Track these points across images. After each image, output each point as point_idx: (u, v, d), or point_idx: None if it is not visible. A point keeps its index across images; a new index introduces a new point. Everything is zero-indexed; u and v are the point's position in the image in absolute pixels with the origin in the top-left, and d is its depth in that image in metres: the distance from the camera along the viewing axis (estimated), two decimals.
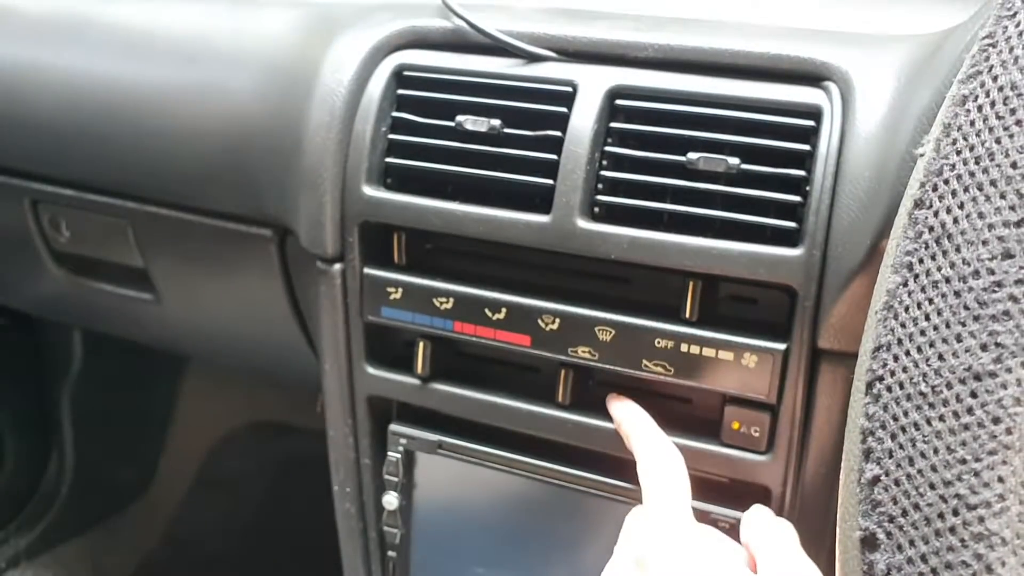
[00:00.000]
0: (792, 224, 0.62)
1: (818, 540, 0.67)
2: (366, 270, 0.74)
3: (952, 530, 0.28)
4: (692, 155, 0.64)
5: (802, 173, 0.62)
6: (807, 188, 0.62)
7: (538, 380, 0.73)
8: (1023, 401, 0.27)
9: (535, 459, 0.73)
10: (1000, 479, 0.27)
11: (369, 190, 0.72)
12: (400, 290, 0.73)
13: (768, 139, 0.63)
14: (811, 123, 0.62)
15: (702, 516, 0.68)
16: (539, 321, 0.69)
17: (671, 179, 0.64)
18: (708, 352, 0.65)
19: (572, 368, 0.70)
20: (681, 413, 0.70)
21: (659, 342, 0.66)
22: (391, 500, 0.78)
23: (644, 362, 0.67)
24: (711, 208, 0.64)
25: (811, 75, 0.64)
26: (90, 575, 1.53)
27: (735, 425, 0.67)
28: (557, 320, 0.69)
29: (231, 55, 0.83)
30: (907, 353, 0.29)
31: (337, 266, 0.74)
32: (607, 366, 0.68)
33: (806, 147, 0.62)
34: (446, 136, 0.70)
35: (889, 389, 0.30)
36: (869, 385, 0.31)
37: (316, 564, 1.47)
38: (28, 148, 0.94)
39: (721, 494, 0.69)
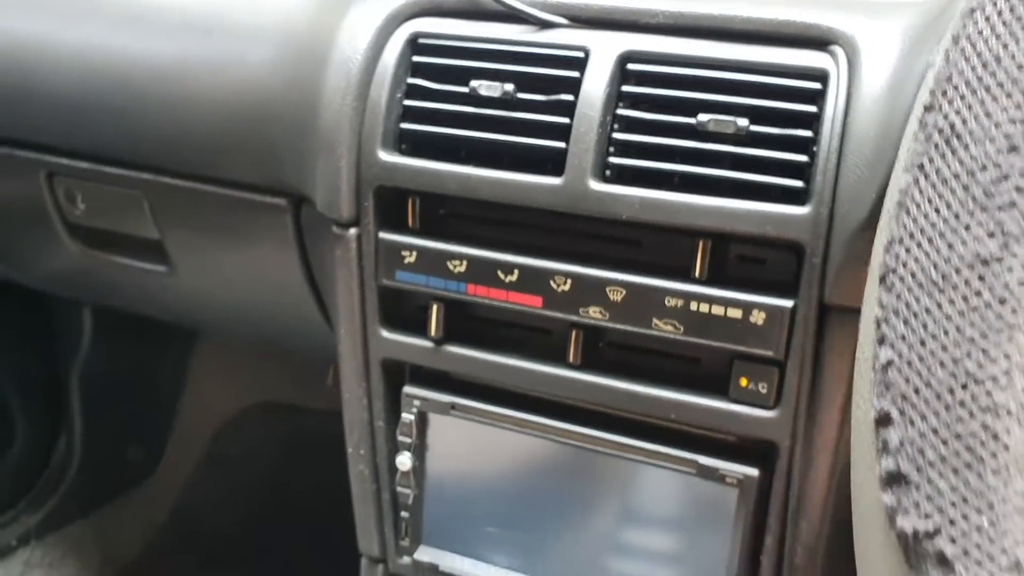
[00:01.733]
0: (799, 183, 0.64)
1: (825, 495, 0.69)
2: (381, 234, 0.75)
3: (961, 403, 0.30)
4: (702, 117, 0.65)
5: (809, 134, 0.64)
6: (814, 148, 0.63)
7: (549, 341, 0.75)
8: None
9: (546, 419, 0.75)
10: (1006, 356, 0.29)
11: (384, 155, 0.73)
12: (414, 254, 0.74)
13: (776, 101, 0.65)
14: (818, 86, 0.64)
15: (710, 472, 0.70)
16: (551, 282, 0.71)
17: (681, 140, 0.66)
18: (717, 310, 0.67)
19: (583, 329, 0.72)
20: (690, 371, 0.71)
21: (669, 301, 0.68)
22: (404, 461, 0.80)
23: (654, 321, 0.69)
24: (721, 168, 0.65)
25: (818, 40, 0.65)
26: (99, 553, 1.54)
27: (743, 382, 0.68)
28: (569, 281, 0.70)
29: (246, 27, 0.84)
30: (919, 245, 0.31)
31: (352, 231, 0.76)
32: (618, 326, 0.70)
33: (813, 109, 0.64)
34: (460, 101, 0.72)
35: (901, 279, 0.31)
36: (882, 278, 0.32)
37: (324, 543, 1.50)
38: (44, 121, 0.95)
39: (729, 452, 0.71)
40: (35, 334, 1.48)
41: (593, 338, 0.73)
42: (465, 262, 0.73)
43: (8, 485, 1.47)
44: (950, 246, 0.30)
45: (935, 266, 0.30)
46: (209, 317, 1.09)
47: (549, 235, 0.73)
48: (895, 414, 0.31)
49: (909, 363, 0.30)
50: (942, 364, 0.30)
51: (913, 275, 0.31)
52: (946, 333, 0.30)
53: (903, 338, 0.31)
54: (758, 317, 0.66)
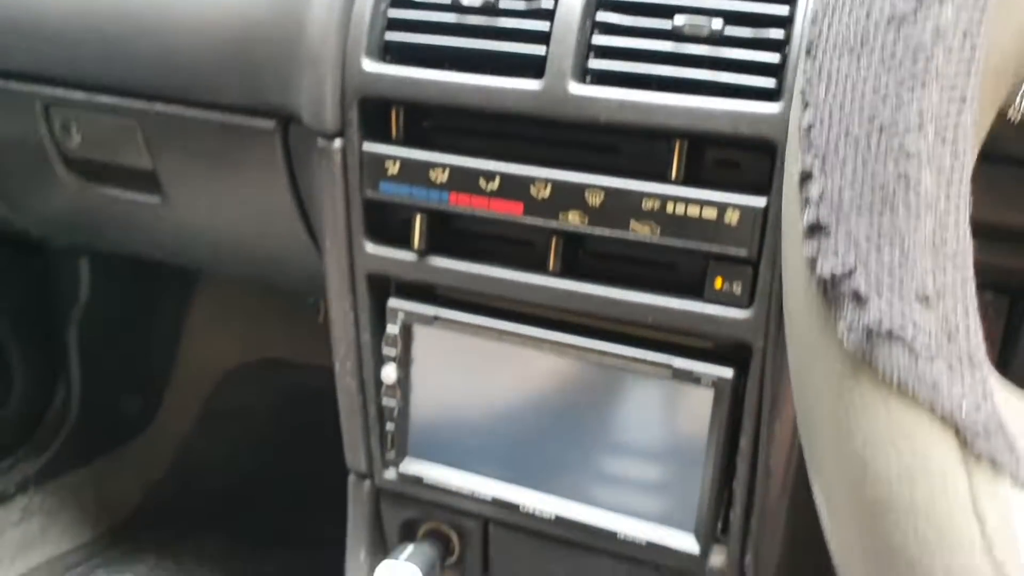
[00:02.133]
0: (772, 82, 0.65)
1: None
2: (365, 145, 0.77)
3: (877, 151, 0.31)
4: (678, 20, 0.67)
5: (781, 34, 0.65)
6: (786, 49, 0.65)
7: (530, 252, 0.76)
8: (941, 36, 0.30)
9: (527, 328, 0.77)
10: (919, 105, 0.30)
11: (368, 65, 0.75)
12: (397, 164, 0.76)
13: (750, 3, 0.66)
14: None
15: (686, 374, 0.72)
16: (531, 189, 0.72)
17: (659, 42, 0.67)
18: (692, 211, 0.68)
19: (562, 236, 0.73)
20: (666, 276, 0.73)
21: (646, 203, 0.69)
22: (389, 373, 0.82)
23: (632, 223, 0.70)
24: (697, 69, 0.67)
25: None
26: (97, 503, 1.56)
27: (718, 283, 0.70)
28: (549, 186, 0.72)
29: None
30: (838, 12, 0.32)
31: (337, 142, 0.77)
32: (596, 230, 0.71)
33: (785, 10, 0.65)
34: (443, 10, 0.73)
35: (823, 46, 0.33)
36: (807, 50, 0.34)
37: (320, 497, 1.51)
38: (39, 51, 0.97)
39: (704, 356, 0.73)
40: (33, 284, 1.50)
41: (572, 247, 0.75)
42: (447, 171, 0.74)
43: (7, 433, 1.49)
44: (867, 12, 0.32)
45: (854, 29, 0.32)
46: (202, 251, 1.10)
47: (530, 145, 0.74)
48: (816, 169, 0.33)
49: (829, 120, 0.32)
50: (860, 117, 0.31)
51: (834, 44, 0.32)
52: (864, 89, 0.31)
53: (824, 99, 0.32)
54: (732, 217, 0.67)
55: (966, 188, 0.32)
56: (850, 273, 0.32)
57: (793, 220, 0.35)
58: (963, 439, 0.31)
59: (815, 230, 0.33)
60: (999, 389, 0.32)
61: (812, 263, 0.33)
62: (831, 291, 0.32)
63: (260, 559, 1.48)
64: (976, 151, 0.34)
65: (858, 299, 0.31)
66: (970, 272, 0.31)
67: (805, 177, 0.33)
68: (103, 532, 1.55)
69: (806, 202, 0.33)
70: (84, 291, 1.49)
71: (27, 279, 1.49)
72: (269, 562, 1.47)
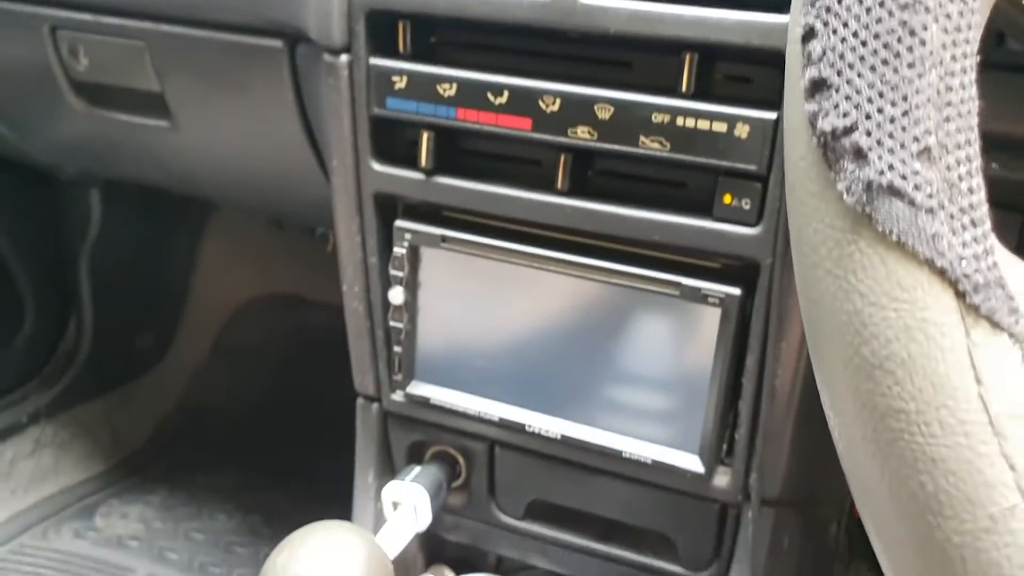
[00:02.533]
0: None
1: (802, 330, 0.70)
2: (372, 61, 0.76)
3: (880, 4, 0.31)
4: None
5: None
6: None
7: (538, 172, 0.75)
8: None
9: (535, 249, 0.76)
10: None
11: None
12: (405, 79, 0.75)
13: None
14: None
15: (693, 292, 0.71)
16: (540, 103, 0.71)
17: None
18: (703, 124, 0.67)
19: (571, 153, 0.73)
20: (675, 195, 0.72)
21: (656, 117, 0.68)
22: (396, 295, 0.81)
23: (641, 138, 0.69)
24: None
25: None
26: (108, 435, 1.58)
27: (727, 199, 0.69)
28: (558, 101, 0.71)
29: None
30: None
31: (344, 57, 0.77)
32: (605, 145, 0.70)
33: None
34: None
35: None
36: None
37: (329, 432, 1.52)
38: None
39: (712, 276, 0.72)
40: (44, 216, 1.50)
41: (581, 165, 0.74)
42: (455, 85, 0.74)
43: (19, 364, 1.50)
44: None
45: None
46: (211, 178, 1.10)
47: (539, 60, 0.73)
48: (819, 26, 0.32)
49: None
50: None
51: None
52: None
53: None
54: (742, 130, 0.66)
55: (974, 42, 0.31)
56: (851, 128, 0.31)
57: (794, 80, 0.34)
58: (962, 294, 0.30)
59: (817, 87, 0.32)
60: (1001, 249, 0.32)
61: (813, 120, 0.32)
62: (831, 147, 0.32)
63: (271, 490, 1.49)
64: (988, 7, 0.33)
65: (859, 154, 0.31)
66: (975, 129, 0.31)
67: (807, 35, 0.33)
68: (115, 464, 1.57)
69: (808, 60, 0.32)
70: (95, 224, 1.49)
71: (38, 211, 1.49)
72: (280, 492, 1.48)
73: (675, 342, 0.75)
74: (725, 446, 0.77)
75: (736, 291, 0.71)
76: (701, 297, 0.71)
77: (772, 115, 0.65)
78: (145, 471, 1.56)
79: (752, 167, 0.67)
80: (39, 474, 1.49)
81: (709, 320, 0.73)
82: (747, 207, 0.68)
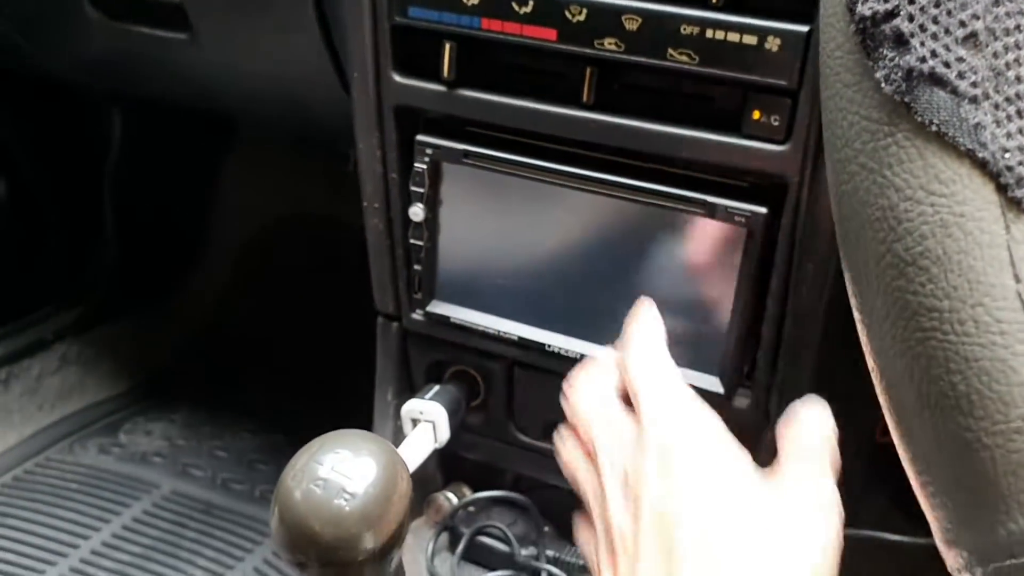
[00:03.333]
0: None
1: (832, 234, 0.69)
2: None
3: None
4: None
5: None
6: None
7: (563, 85, 0.74)
8: None
9: (559, 165, 0.75)
10: None
11: None
12: None
13: None
14: None
15: (719, 211, 0.70)
16: (566, 12, 0.70)
17: None
18: (732, 37, 0.65)
19: (597, 65, 0.71)
20: (704, 110, 0.70)
21: (685, 29, 0.66)
22: (417, 212, 0.81)
23: (669, 51, 0.67)
24: None
25: None
26: (134, 354, 1.59)
27: (756, 115, 0.67)
28: (584, 11, 0.69)
29: None
30: None
31: None
32: (632, 58, 0.69)
33: None
34: None
35: None
36: None
37: (351, 353, 1.53)
38: None
39: (739, 194, 0.71)
40: (66, 135, 1.50)
41: (607, 78, 0.72)
42: None
43: (44, 282, 1.51)
44: None
45: None
46: (230, 92, 1.09)
47: None
48: None
49: None
50: None
51: None
52: None
53: None
54: (773, 44, 0.65)
55: None
56: (893, 12, 0.30)
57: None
58: (1003, 188, 0.29)
59: None
60: None
61: (851, 6, 0.31)
62: (870, 34, 0.30)
63: (293, 410, 1.50)
64: None
65: (900, 40, 0.29)
66: None
67: None
68: (140, 383, 1.58)
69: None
70: (117, 143, 1.49)
71: (61, 130, 1.49)
72: (302, 412, 1.49)
73: (698, 262, 0.74)
74: (746, 368, 0.77)
75: (762, 210, 0.69)
76: (727, 216, 0.70)
77: (804, 28, 0.63)
78: (169, 390, 1.58)
79: (782, 82, 0.65)
80: (65, 390, 1.51)
81: (734, 239, 0.71)
82: (776, 123, 0.67)
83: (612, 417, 0.55)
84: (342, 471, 0.48)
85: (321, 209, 1.64)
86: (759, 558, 0.48)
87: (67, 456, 1.42)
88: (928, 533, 0.80)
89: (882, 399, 0.36)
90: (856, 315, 0.36)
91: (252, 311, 1.69)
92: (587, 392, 0.58)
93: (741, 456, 0.53)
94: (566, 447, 0.59)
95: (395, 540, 0.48)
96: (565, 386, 0.61)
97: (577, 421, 0.57)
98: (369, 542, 0.47)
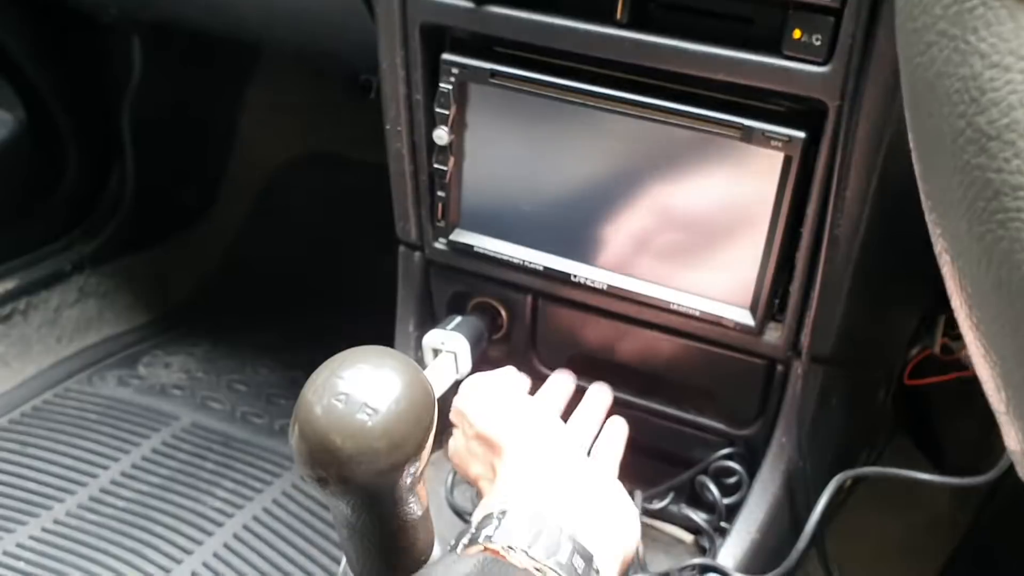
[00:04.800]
0: None
1: (871, 161, 0.67)
2: None
3: None
4: None
5: None
6: None
7: (596, 2, 0.71)
8: None
9: (590, 86, 0.72)
10: None
11: None
12: None
13: None
14: None
15: (756, 135, 0.68)
16: None
17: None
18: None
19: None
20: (742, 31, 0.68)
21: None
22: (442, 135, 0.78)
23: None
24: None
25: None
26: (152, 288, 1.59)
27: (796, 34, 0.65)
28: None
29: None
30: None
31: None
32: None
33: None
34: None
35: None
36: None
37: (370, 291, 1.52)
38: None
39: (776, 119, 0.68)
40: (86, 63, 1.47)
41: None
42: None
43: (63, 213, 1.50)
44: None
45: None
46: (253, 13, 1.06)
47: None
48: None
49: None
50: None
51: None
52: None
53: None
54: None
55: None
56: None
57: None
58: None
59: None
60: None
61: None
62: None
63: (312, 346, 1.49)
64: None
65: None
66: None
67: None
68: (158, 317, 1.58)
69: None
70: (137, 72, 1.46)
71: (80, 58, 1.46)
72: (321, 348, 1.48)
73: (732, 189, 0.72)
74: (777, 301, 0.75)
75: (800, 134, 0.67)
76: (763, 140, 0.68)
77: None
78: (188, 324, 1.57)
79: (825, 0, 0.62)
80: (84, 322, 1.50)
81: (770, 166, 0.69)
82: (818, 43, 0.64)
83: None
84: (364, 386, 0.46)
85: (340, 147, 1.62)
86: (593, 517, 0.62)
87: (86, 387, 1.42)
88: (950, 473, 0.78)
89: (953, 291, 0.33)
90: (924, 199, 0.33)
91: (272, 245, 1.68)
92: (477, 388, 0.78)
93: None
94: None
95: (419, 457, 0.47)
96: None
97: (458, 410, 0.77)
98: (392, 458, 0.45)
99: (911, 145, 0.33)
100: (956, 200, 0.30)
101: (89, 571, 1.13)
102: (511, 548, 0.54)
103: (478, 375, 0.80)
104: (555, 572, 0.54)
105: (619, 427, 0.78)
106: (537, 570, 0.53)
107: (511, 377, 0.81)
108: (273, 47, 1.44)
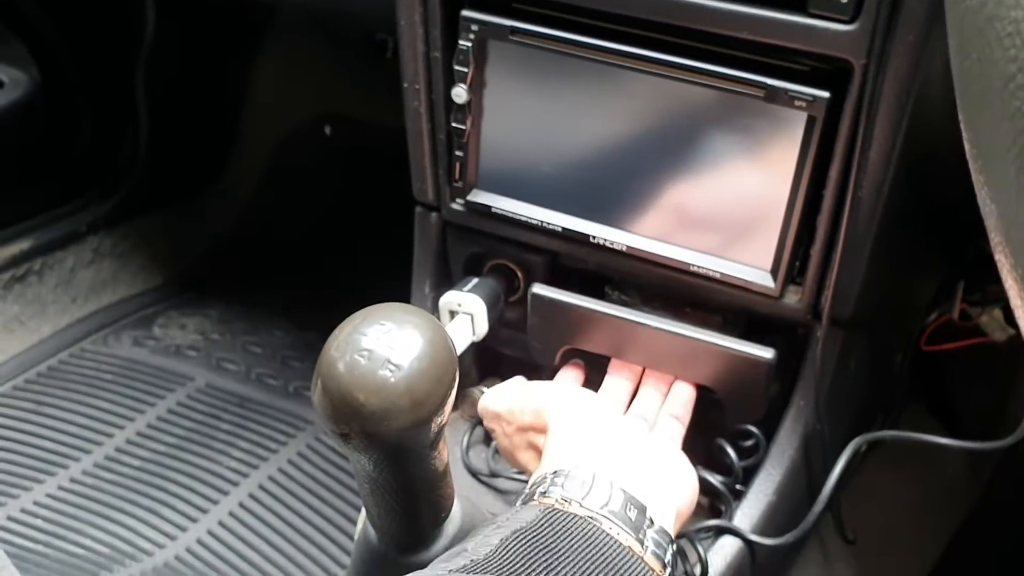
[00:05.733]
0: None
1: (896, 123, 0.66)
2: None
3: None
4: None
5: None
6: None
7: None
8: None
9: (612, 43, 0.71)
10: None
11: None
12: None
13: None
14: None
15: (779, 94, 0.67)
16: None
17: None
18: None
19: None
20: None
21: None
22: (460, 93, 0.78)
23: None
24: None
25: None
26: (166, 250, 1.59)
27: None
28: None
29: None
30: None
31: None
32: None
33: None
34: None
35: None
36: None
37: (385, 255, 1.52)
38: None
39: (801, 79, 0.67)
40: (100, 24, 1.47)
41: None
42: None
43: (77, 174, 1.50)
44: None
45: None
46: None
47: None
48: None
49: None
50: None
51: None
52: None
53: None
54: None
55: None
56: None
57: None
58: None
59: None
60: None
61: None
62: None
63: (327, 309, 1.49)
64: None
65: None
66: None
67: None
68: (173, 278, 1.58)
69: None
70: (150, 31, 1.45)
71: (94, 19, 1.45)
72: (335, 311, 1.48)
73: (754, 150, 0.71)
74: (798, 264, 0.74)
75: (825, 94, 0.66)
76: (787, 100, 0.67)
77: None
78: (203, 286, 1.58)
79: None
80: (99, 283, 1.51)
81: (793, 126, 0.68)
82: (844, 0, 0.63)
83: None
84: (387, 342, 0.46)
85: (354, 109, 1.60)
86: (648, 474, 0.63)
87: (101, 348, 1.43)
88: (966, 439, 0.78)
89: (997, 242, 0.32)
90: (969, 148, 0.33)
91: (286, 207, 1.67)
92: (501, 391, 0.76)
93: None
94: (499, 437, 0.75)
95: (440, 414, 0.47)
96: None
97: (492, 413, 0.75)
98: (414, 414, 0.45)
99: (956, 93, 0.33)
100: (1004, 147, 0.29)
101: (105, 528, 1.14)
102: (566, 500, 0.57)
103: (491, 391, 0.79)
104: (610, 520, 0.56)
105: (683, 392, 0.78)
106: (591, 518, 0.55)
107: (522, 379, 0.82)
108: (287, 6, 1.43)
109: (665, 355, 0.79)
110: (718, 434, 0.81)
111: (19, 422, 1.28)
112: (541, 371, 0.95)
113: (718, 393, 0.79)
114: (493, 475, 0.86)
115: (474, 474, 0.87)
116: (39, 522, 1.15)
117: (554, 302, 0.81)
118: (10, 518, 1.15)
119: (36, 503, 1.17)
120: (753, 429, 0.80)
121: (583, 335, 0.82)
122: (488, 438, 0.91)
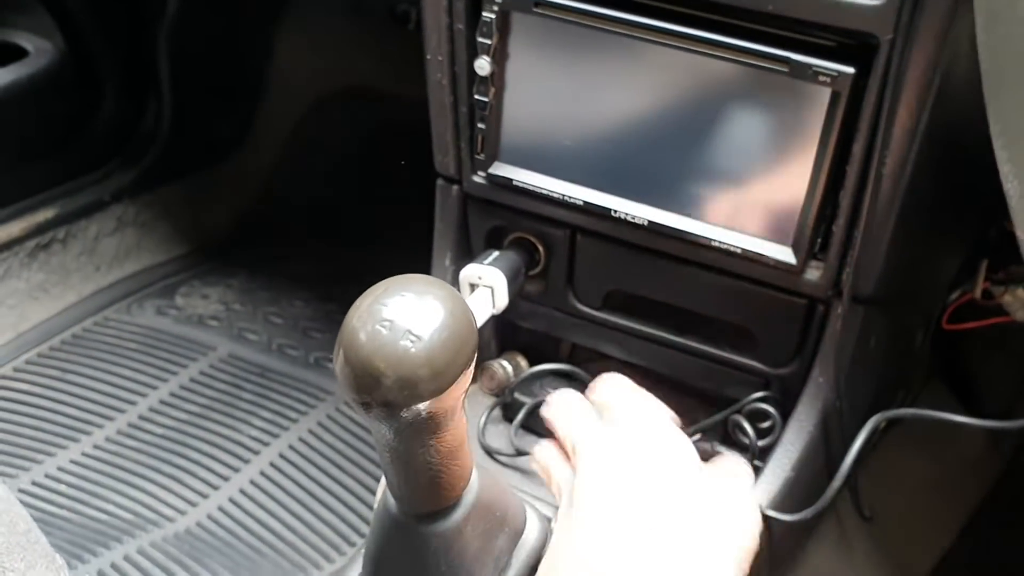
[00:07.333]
0: None
1: (922, 99, 0.65)
2: None
3: None
4: None
5: None
6: None
7: None
8: None
9: (636, 16, 0.71)
10: None
11: None
12: None
13: None
14: None
15: (803, 70, 0.66)
16: None
17: None
18: None
19: None
20: None
21: None
22: (483, 65, 0.77)
23: None
24: None
25: None
26: (189, 220, 1.60)
27: None
28: None
29: None
30: None
31: None
32: None
33: None
34: None
35: None
36: None
37: (406, 227, 1.52)
38: None
39: (824, 53, 0.67)
40: None
41: None
42: None
43: (101, 143, 1.51)
44: None
45: None
46: None
47: None
48: None
49: None
50: None
51: None
52: None
53: None
54: None
55: None
56: None
57: None
58: None
59: None
60: None
61: None
62: None
63: (348, 281, 1.50)
64: None
65: None
66: None
67: None
68: (196, 248, 1.59)
69: None
70: (173, 3, 1.46)
71: None
72: (356, 283, 1.49)
73: (777, 125, 0.71)
74: (820, 240, 0.74)
75: (850, 69, 0.65)
76: (811, 75, 0.66)
77: None
78: (225, 256, 1.58)
79: None
80: (122, 252, 1.52)
81: (817, 101, 0.68)
82: None
83: (588, 422, 0.65)
84: (408, 313, 0.46)
85: (376, 81, 1.61)
86: (694, 537, 0.58)
87: (124, 316, 1.44)
88: (983, 416, 0.78)
89: (1021, 223, 0.32)
90: (994, 121, 0.32)
91: (308, 178, 1.68)
92: (566, 405, 0.68)
93: (687, 448, 0.63)
94: (543, 448, 0.68)
95: (460, 385, 0.47)
96: (544, 407, 0.69)
97: (558, 426, 0.67)
98: (434, 384, 0.46)
99: (981, 69, 0.32)
100: None
101: (128, 494, 1.16)
102: None
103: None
104: None
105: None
106: None
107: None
108: None
109: (707, 292, 0.81)
110: (735, 411, 0.81)
111: (44, 388, 1.30)
112: (558, 345, 0.96)
113: (753, 333, 0.81)
114: (519, 453, 0.86)
115: (490, 453, 0.87)
116: (63, 487, 1.17)
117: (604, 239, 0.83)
118: (35, 483, 1.17)
119: (60, 468, 1.19)
120: (770, 409, 0.80)
121: (629, 276, 0.84)
122: (506, 413, 0.92)
